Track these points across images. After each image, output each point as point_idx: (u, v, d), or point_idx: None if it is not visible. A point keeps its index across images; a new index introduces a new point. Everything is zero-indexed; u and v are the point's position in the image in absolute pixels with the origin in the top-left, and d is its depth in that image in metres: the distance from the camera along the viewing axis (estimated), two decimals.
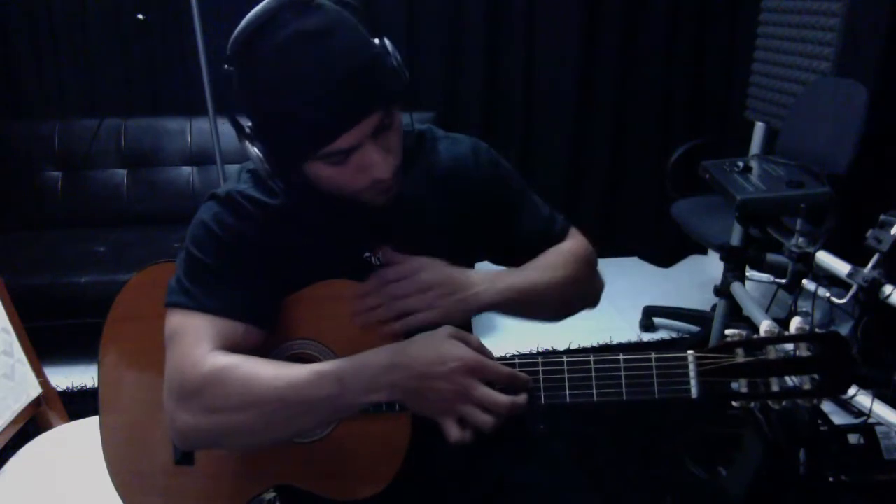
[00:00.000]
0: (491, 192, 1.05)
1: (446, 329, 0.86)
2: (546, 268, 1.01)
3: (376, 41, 0.86)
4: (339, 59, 0.80)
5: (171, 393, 0.88)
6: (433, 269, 0.92)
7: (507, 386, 0.85)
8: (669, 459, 2.03)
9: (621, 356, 0.86)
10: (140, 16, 2.78)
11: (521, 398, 0.84)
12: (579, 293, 1.07)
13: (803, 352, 0.84)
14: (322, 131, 0.82)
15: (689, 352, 0.85)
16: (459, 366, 0.82)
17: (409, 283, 0.91)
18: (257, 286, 0.92)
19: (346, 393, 0.84)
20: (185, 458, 0.99)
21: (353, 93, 0.81)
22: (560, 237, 1.09)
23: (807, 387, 0.84)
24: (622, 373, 0.86)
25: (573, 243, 1.09)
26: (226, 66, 0.85)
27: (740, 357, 0.84)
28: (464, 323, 0.94)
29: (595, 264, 1.10)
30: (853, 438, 1.68)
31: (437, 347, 0.84)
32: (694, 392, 0.84)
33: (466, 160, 1.04)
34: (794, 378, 0.84)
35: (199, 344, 0.87)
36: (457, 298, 0.91)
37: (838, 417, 1.98)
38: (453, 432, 0.83)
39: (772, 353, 0.84)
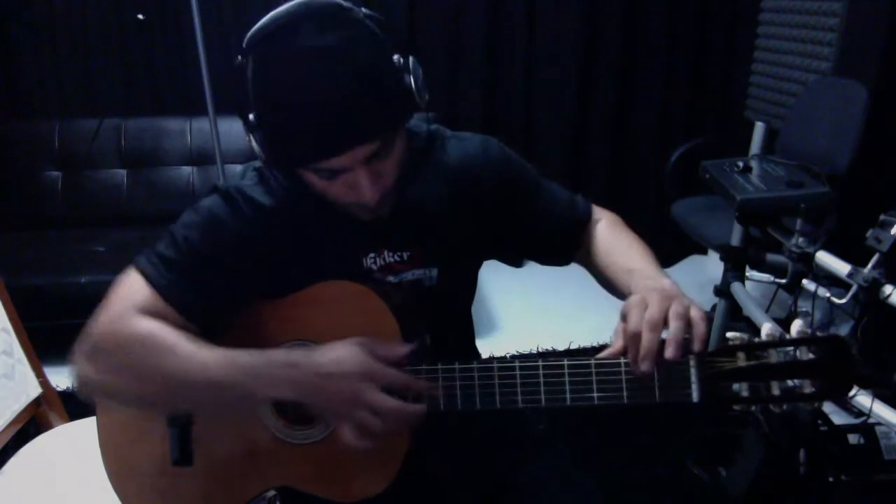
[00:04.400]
0: (505, 187, 1.04)
1: (355, 339, 0.88)
2: (640, 250, 1.03)
3: (400, 59, 0.83)
4: (344, 84, 0.78)
5: (84, 342, 0.90)
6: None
7: (416, 395, 0.87)
8: (670, 460, 2.03)
9: (622, 359, 0.86)
10: (140, 16, 2.78)
11: (417, 406, 0.86)
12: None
13: (804, 355, 0.83)
14: (312, 150, 0.82)
15: (690, 356, 0.85)
16: (355, 370, 0.85)
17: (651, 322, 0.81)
18: (218, 288, 0.93)
19: (250, 383, 0.86)
20: (182, 458, 0.99)
21: (352, 120, 0.79)
22: (586, 217, 1.10)
23: (808, 390, 0.84)
24: (623, 376, 0.86)
25: (608, 218, 1.11)
26: (238, 58, 0.84)
27: (741, 360, 0.84)
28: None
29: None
30: (853, 438, 1.68)
31: (339, 352, 0.86)
32: (695, 396, 0.84)
33: (476, 158, 1.04)
34: (794, 380, 0.84)
35: (130, 308, 0.89)
36: (686, 302, 0.86)
37: (838, 417, 1.98)
38: (347, 436, 0.85)
39: (773, 356, 0.84)
